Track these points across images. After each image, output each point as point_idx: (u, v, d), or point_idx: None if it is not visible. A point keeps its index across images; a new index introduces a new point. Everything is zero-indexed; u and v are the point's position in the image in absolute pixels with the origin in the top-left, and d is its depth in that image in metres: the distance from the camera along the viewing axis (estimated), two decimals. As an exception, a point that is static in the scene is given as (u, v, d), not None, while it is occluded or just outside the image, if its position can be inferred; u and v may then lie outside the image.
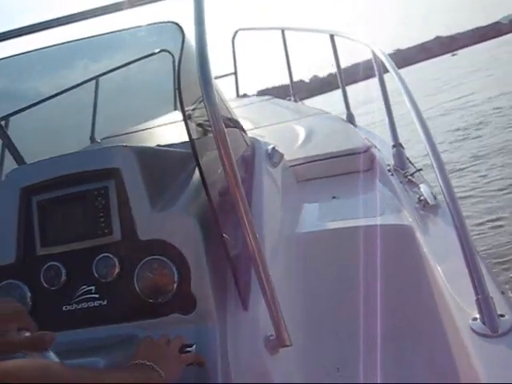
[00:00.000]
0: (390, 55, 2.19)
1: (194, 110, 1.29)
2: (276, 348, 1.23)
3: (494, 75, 19.74)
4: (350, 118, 3.08)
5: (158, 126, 2.47)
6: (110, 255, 1.28)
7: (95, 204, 1.31)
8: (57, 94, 2.60)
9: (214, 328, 1.23)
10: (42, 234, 1.34)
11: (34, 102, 2.53)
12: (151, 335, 1.16)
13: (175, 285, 1.25)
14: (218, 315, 1.24)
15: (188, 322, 1.24)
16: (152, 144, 1.87)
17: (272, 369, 1.25)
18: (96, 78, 3.06)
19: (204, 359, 1.16)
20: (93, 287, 1.29)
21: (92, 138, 3.15)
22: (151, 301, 1.26)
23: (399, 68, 2.07)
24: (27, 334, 0.86)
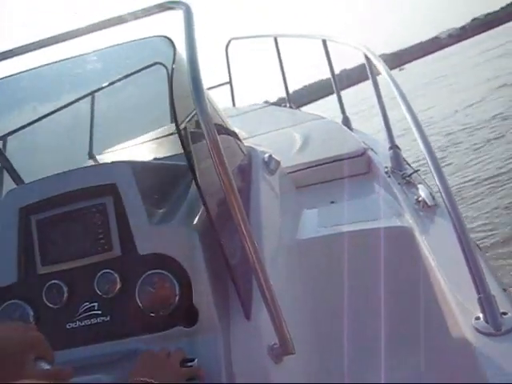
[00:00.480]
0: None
1: (188, 121, 1.30)
2: (280, 356, 1.23)
3: (447, 86, 20.02)
4: (346, 122, 3.08)
5: (155, 138, 2.48)
6: (111, 271, 1.29)
7: (94, 221, 1.32)
8: (53, 112, 2.61)
9: (218, 339, 1.23)
10: (42, 253, 1.34)
11: (30, 121, 2.54)
12: (153, 349, 1.16)
13: (177, 298, 1.25)
14: (221, 326, 1.24)
15: (191, 334, 1.24)
16: (150, 157, 1.88)
17: (277, 378, 1.24)
18: (91, 93, 3.07)
19: (204, 373, 1.16)
20: (95, 304, 1.29)
21: (90, 154, 3.16)
22: (154, 315, 1.26)
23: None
24: (45, 366, 0.84)
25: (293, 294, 1.57)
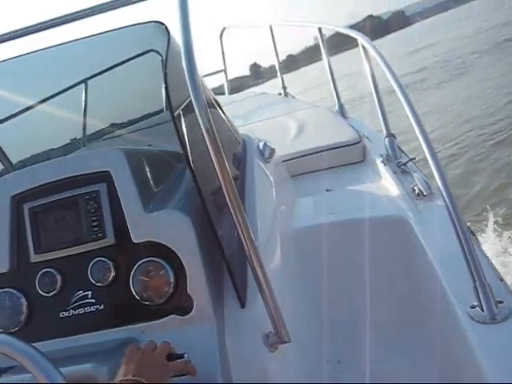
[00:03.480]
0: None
1: (183, 108, 1.28)
2: (275, 345, 1.23)
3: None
4: (341, 110, 3.07)
5: (149, 126, 2.46)
6: (105, 259, 1.28)
7: (87, 208, 1.30)
8: (45, 100, 2.58)
9: (212, 328, 1.22)
10: (34, 241, 1.32)
11: (23, 108, 2.51)
12: (137, 342, 1.15)
13: (171, 286, 1.24)
14: (215, 314, 1.23)
15: (186, 322, 1.23)
16: (144, 145, 1.86)
17: (272, 366, 1.24)
18: (85, 80, 3.04)
19: (194, 368, 1.14)
20: (89, 292, 1.28)
21: (83, 142, 3.13)
22: (148, 303, 1.25)
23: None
24: None
25: (288, 283, 1.56)
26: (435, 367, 1.34)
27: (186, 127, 1.25)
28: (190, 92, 1.14)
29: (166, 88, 1.21)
